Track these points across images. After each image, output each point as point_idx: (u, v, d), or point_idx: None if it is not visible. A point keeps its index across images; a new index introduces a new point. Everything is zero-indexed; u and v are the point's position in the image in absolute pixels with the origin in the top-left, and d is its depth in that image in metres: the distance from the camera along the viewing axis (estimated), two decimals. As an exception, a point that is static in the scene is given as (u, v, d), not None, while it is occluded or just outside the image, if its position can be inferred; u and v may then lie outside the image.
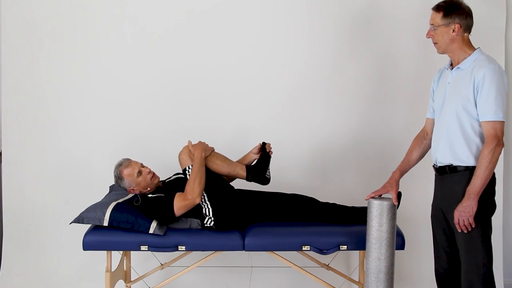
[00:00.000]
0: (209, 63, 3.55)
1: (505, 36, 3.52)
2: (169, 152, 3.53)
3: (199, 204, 2.86)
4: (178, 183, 3.03)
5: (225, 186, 3.03)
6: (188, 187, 2.83)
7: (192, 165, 2.91)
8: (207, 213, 2.88)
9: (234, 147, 3.14)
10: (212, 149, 3.01)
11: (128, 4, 3.55)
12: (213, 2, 3.53)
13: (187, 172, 2.94)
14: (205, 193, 2.90)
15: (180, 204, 2.81)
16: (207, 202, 2.89)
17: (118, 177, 2.95)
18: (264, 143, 3.06)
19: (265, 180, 3.05)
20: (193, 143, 2.98)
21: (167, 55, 3.56)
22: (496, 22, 3.50)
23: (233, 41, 3.55)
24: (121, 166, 2.96)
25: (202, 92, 3.57)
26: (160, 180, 3.09)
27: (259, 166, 3.04)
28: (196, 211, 2.88)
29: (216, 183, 2.96)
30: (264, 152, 3.05)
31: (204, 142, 2.97)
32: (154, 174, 2.99)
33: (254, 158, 3.10)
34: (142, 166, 2.98)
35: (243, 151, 3.15)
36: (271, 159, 3.05)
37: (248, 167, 3.05)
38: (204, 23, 3.53)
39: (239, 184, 3.10)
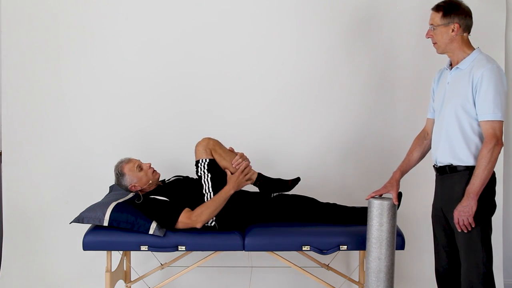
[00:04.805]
0: (209, 61, 3.54)
1: (505, 36, 3.52)
2: (169, 152, 3.55)
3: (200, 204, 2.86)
4: (177, 185, 3.04)
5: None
6: (199, 209, 2.81)
7: (205, 160, 2.94)
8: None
9: (234, 147, 3.12)
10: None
11: (129, 1, 3.55)
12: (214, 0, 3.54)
13: (199, 165, 2.96)
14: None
15: (183, 220, 2.80)
16: None
17: (120, 174, 2.96)
18: (298, 179, 3.05)
19: (268, 195, 3.04)
20: (198, 142, 3.00)
21: (167, 55, 3.55)
22: (496, 22, 3.50)
23: (234, 40, 3.54)
24: (122, 163, 2.99)
25: (204, 91, 3.56)
26: (160, 179, 3.09)
27: (274, 186, 3.02)
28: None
29: (219, 184, 2.94)
30: (292, 186, 3.03)
31: (243, 179, 2.92)
32: (154, 169, 3.00)
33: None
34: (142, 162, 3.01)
35: (242, 150, 3.14)
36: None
37: (260, 177, 3.01)
38: (205, 21, 3.53)
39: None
